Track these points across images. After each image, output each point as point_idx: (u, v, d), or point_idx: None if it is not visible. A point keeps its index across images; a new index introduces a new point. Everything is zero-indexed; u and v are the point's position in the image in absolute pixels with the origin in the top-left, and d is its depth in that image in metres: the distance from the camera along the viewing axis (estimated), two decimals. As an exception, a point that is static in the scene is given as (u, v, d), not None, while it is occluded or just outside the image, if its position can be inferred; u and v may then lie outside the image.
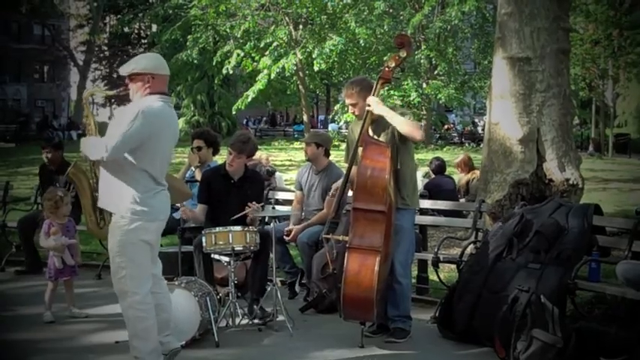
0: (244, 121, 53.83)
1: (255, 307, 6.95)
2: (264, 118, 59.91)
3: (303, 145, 8.39)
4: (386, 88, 6.75)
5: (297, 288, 8.14)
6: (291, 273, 8.15)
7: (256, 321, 6.83)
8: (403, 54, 6.48)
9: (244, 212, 6.93)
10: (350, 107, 6.60)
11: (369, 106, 6.26)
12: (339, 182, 6.67)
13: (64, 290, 7.29)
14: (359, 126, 6.42)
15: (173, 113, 5.47)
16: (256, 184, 7.58)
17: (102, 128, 5.73)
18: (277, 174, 10.97)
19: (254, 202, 7.02)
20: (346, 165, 6.63)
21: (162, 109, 5.21)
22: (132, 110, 5.11)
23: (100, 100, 61.50)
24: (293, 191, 8.76)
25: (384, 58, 27.76)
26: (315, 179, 8.06)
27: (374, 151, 6.16)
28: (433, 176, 11.53)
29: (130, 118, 5.03)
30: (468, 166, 12.02)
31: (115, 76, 59.44)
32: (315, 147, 8.02)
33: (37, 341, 6.51)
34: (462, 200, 10.95)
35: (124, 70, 5.31)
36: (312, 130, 29.53)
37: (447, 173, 11.66)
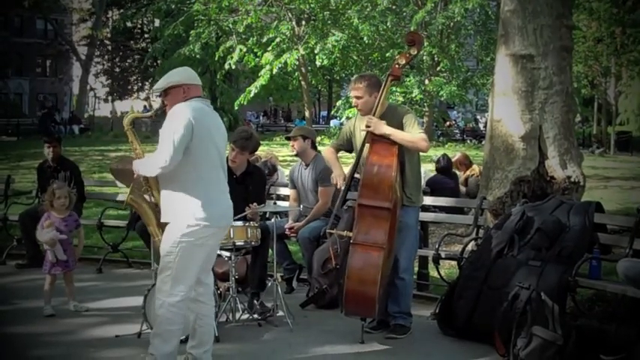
0: (247, 116, 53.80)
1: (255, 301, 6.96)
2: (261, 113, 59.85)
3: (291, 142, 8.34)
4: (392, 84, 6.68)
5: (294, 284, 8.15)
6: (289, 269, 8.16)
7: (256, 316, 6.84)
8: (414, 51, 6.46)
9: (244, 214, 6.92)
10: (354, 100, 6.52)
11: (368, 127, 6.21)
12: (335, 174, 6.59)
13: (61, 284, 7.29)
14: (362, 122, 6.37)
15: (214, 112, 5.47)
16: (258, 180, 7.58)
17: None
18: (280, 170, 10.96)
19: (255, 204, 7.03)
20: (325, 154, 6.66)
21: (201, 107, 5.26)
22: (171, 116, 5.16)
23: (102, 94, 61.63)
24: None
25: (387, 54, 27.87)
26: (305, 174, 8.10)
27: (381, 148, 6.14)
28: (434, 174, 11.56)
29: (172, 124, 5.09)
30: (464, 164, 12.09)
31: (117, 70, 59.56)
32: (302, 140, 8.06)
33: (38, 335, 6.51)
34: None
35: (160, 86, 5.38)
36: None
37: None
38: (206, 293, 5.45)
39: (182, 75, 5.40)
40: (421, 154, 6.59)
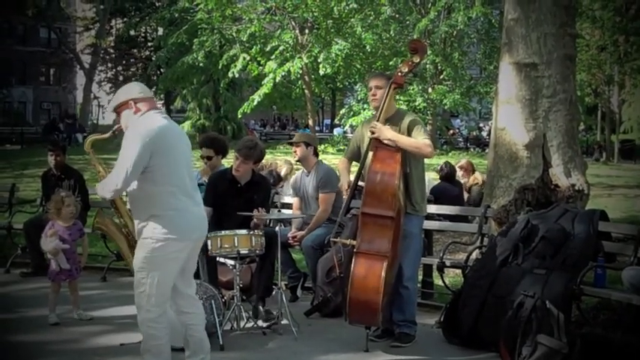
0: (251, 125, 53.79)
1: (260, 308, 6.96)
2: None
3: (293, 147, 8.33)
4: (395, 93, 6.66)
5: (298, 292, 8.15)
6: (294, 277, 8.16)
7: (261, 323, 6.83)
8: (417, 59, 6.45)
9: (250, 214, 6.93)
10: (374, 89, 6.41)
11: (373, 133, 6.21)
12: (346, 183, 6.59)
13: (66, 292, 7.30)
14: (369, 127, 6.37)
15: (171, 122, 5.36)
16: (263, 189, 7.58)
17: (107, 131, 5.80)
18: (284, 187, 10.90)
19: (262, 210, 7.04)
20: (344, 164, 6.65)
21: (157, 122, 5.16)
22: (127, 137, 5.10)
23: (106, 103, 61.59)
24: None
25: (390, 63, 27.88)
26: (307, 181, 8.10)
27: (384, 155, 6.13)
28: (439, 181, 11.56)
29: (128, 145, 5.03)
30: (468, 171, 12.11)
31: (120, 79, 59.58)
32: (305, 146, 8.04)
33: (42, 343, 6.52)
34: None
35: (110, 106, 5.39)
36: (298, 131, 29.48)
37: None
38: (189, 304, 5.41)
39: (129, 91, 5.34)
40: (426, 162, 6.58)
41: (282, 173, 11.58)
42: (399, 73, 6.42)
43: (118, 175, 4.99)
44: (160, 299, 5.13)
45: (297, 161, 8.28)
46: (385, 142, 6.20)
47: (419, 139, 6.20)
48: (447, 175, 11.51)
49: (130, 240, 5.58)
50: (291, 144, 8.52)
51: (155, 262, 5.07)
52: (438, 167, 12.14)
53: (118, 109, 5.30)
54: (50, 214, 7.41)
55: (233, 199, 7.31)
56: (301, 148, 8.06)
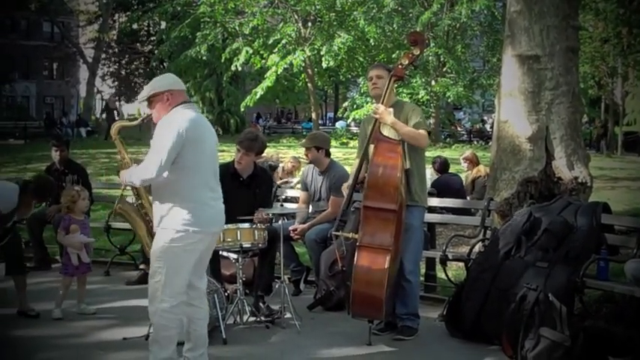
0: (253, 118, 53.80)
1: (261, 304, 6.96)
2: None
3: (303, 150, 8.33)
4: (395, 85, 6.65)
5: (301, 286, 8.15)
6: (296, 271, 8.16)
7: (263, 318, 6.84)
8: (417, 52, 6.45)
9: (251, 218, 6.92)
10: (375, 78, 6.43)
11: (375, 113, 6.23)
12: (348, 183, 6.61)
13: (73, 286, 7.30)
14: (371, 122, 6.38)
15: (203, 117, 5.44)
16: (265, 182, 7.57)
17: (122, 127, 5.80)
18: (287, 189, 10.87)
19: (261, 210, 7.03)
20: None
21: (190, 115, 5.20)
22: (161, 127, 5.14)
23: (106, 96, 61.65)
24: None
25: (393, 56, 27.85)
26: (320, 179, 8.08)
27: (385, 148, 6.13)
28: (439, 175, 11.56)
29: (162, 135, 5.07)
30: (473, 162, 12.10)
31: (123, 72, 59.62)
32: (316, 150, 8.02)
33: (45, 338, 6.52)
34: (469, 198, 10.98)
35: (143, 96, 5.37)
36: (308, 134, 29.41)
37: (453, 170, 11.69)
38: (198, 297, 5.44)
39: (164, 82, 5.37)
40: (426, 157, 6.58)
41: (288, 169, 11.61)
42: (400, 66, 6.43)
43: (152, 164, 5.03)
44: (174, 290, 5.16)
45: (310, 163, 8.26)
46: (385, 134, 6.21)
47: (419, 130, 6.24)
48: (442, 165, 11.55)
49: (150, 227, 5.58)
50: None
51: (173, 253, 5.10)
52: (432, 162, 12.13)
53: (151, 98, 5.31)
54: (64, 208, 7.42)
55: (236, 193, 7.30)
56: (312, 152, 8.05)
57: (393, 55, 28.00)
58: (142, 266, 8.59)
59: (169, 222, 5.11)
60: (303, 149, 8.39)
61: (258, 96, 27.59)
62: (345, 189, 6.55)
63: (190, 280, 5.30)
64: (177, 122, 5.09)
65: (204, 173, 5.23)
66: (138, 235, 5.93)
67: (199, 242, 5.19)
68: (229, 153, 8.59)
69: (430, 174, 11.43)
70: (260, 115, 57.59)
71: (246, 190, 7.29)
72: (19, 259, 7.23)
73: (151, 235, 5.51)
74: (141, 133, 20.76)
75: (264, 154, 10.11)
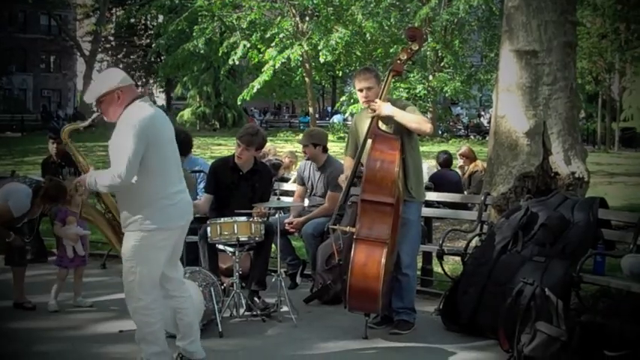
0: (251, 112, 53.78)
1: (255, 299, 6.96)
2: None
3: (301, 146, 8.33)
4: (393, 80, 6.64)
5: (298, 279, 8.15)
6: (293, 265, 8.16)
7: (259, 312, 6.84)
8: (415, 47, 6.44)
9: (250, 212, 6.92)
10: (365, 91, 6.35)
11: (374, 110, 6.21)
12: (344, 176, 6.59)
13: (69, 279, 7.30)
14: (364, 119, 6.38)
15: (157, 110, 5.26)
16: (265, 177, 7.55)
17: (111, 126, 5.73)
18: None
19: (262, 207, 7.02)
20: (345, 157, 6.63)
21: (148, 112, 5.08)
22: (121, 128, 5.01)
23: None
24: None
25: (390, 50, 27.84)
26: (317, 174, 8.10)
27: (383, 143, 6.12)
28: (438, 168, 11.56)
29: (124, 136, 4.95)
30: (469, 158, 12.10)
31: (120, 66, 59.53)
32: (313, 147, 8.04)
33: (42, 330, 6.52)
34: (466, 192, 10.98)
35: (90, 98, 5.19)
36: (305, 130, 29.39)
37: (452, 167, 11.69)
38: (177, 288, 5.41)
39: (112, 79, 5.16)
40: (422, 152, 6.57)
41: (285, 164, 11.59)
42: (398, 61, 6.42)
43: (120, 166, 4.91)
44: (150, 285, 5.14)
45: (308, 159, 8.27)
46: (383, 129, 6.21)
47: (417, 115, 6.24)
48: (446, 160, 11.52)
49: (115, 226, 5.53)
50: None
51: (144, 252, 5.07)
52: (437, 156, 12.13)
53: (100, 99, 5.12)
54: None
55: (235, 187, 7.30)
56: (309, 149, 8.08)
57: (391, 50, 27.99)
58: None
59: (135, 225, 5.06)
60: (301, 145, 8.39)
61: (255, 90, 27.56)
62: (342, 181, 6.54)
63: (165, 272, 5.25)
64: (138, 122, 4.95)
65: (167, 172, 5.14)
66: (106, 237, 5.89)
67: (168, 239, 5.16)
68: (227, 147, 8.59)
69: (427, 168, 11.43)
70: (247, 110, 57.51)
71: (246, 184, 7.28)
72: (21, 251, 7.23)
73: (117, 234, 5.47)
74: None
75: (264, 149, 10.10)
